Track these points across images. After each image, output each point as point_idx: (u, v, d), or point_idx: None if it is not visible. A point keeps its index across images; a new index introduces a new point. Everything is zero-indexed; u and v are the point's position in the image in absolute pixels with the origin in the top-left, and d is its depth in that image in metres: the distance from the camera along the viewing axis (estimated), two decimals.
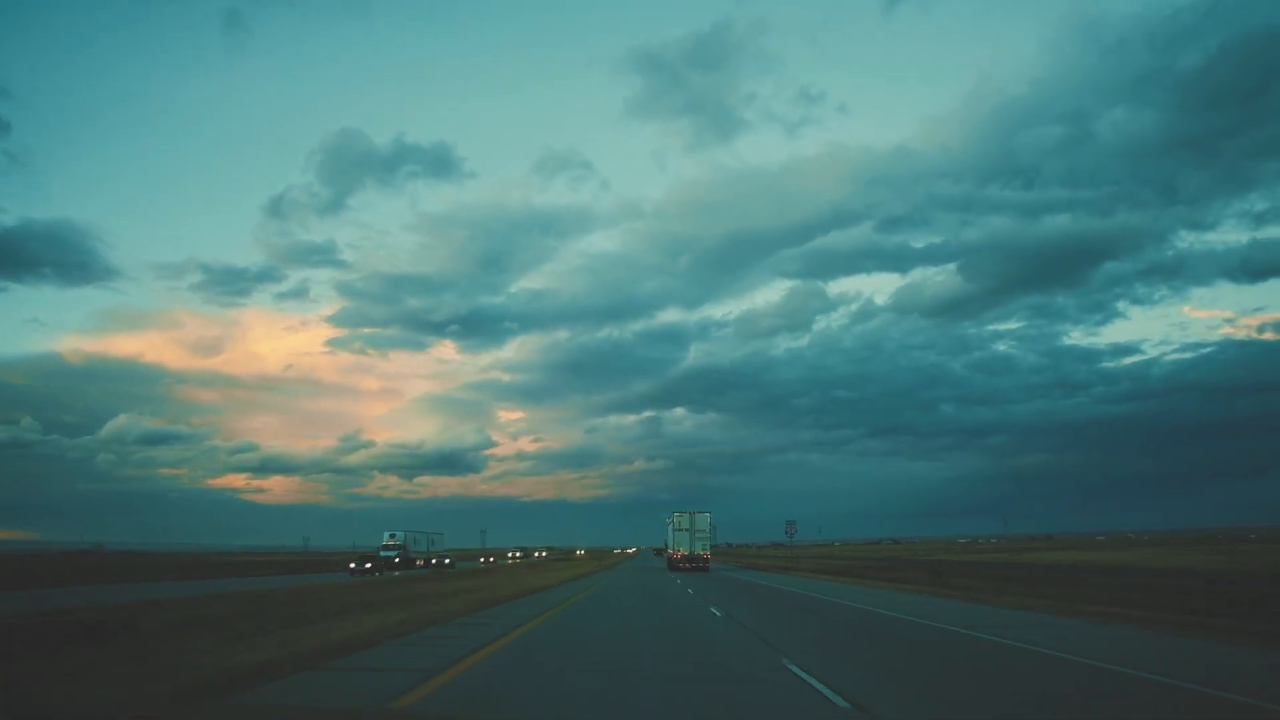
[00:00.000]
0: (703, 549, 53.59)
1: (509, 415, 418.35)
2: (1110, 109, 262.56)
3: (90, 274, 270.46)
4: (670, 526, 56.66)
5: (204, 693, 7.74)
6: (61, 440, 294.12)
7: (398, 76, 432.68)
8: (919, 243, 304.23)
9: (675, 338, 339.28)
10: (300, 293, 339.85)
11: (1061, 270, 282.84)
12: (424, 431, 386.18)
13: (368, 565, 59.96)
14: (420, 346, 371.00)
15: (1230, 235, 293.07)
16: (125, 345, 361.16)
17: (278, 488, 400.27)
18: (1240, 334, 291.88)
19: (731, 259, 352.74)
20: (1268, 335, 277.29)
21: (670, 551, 55.81)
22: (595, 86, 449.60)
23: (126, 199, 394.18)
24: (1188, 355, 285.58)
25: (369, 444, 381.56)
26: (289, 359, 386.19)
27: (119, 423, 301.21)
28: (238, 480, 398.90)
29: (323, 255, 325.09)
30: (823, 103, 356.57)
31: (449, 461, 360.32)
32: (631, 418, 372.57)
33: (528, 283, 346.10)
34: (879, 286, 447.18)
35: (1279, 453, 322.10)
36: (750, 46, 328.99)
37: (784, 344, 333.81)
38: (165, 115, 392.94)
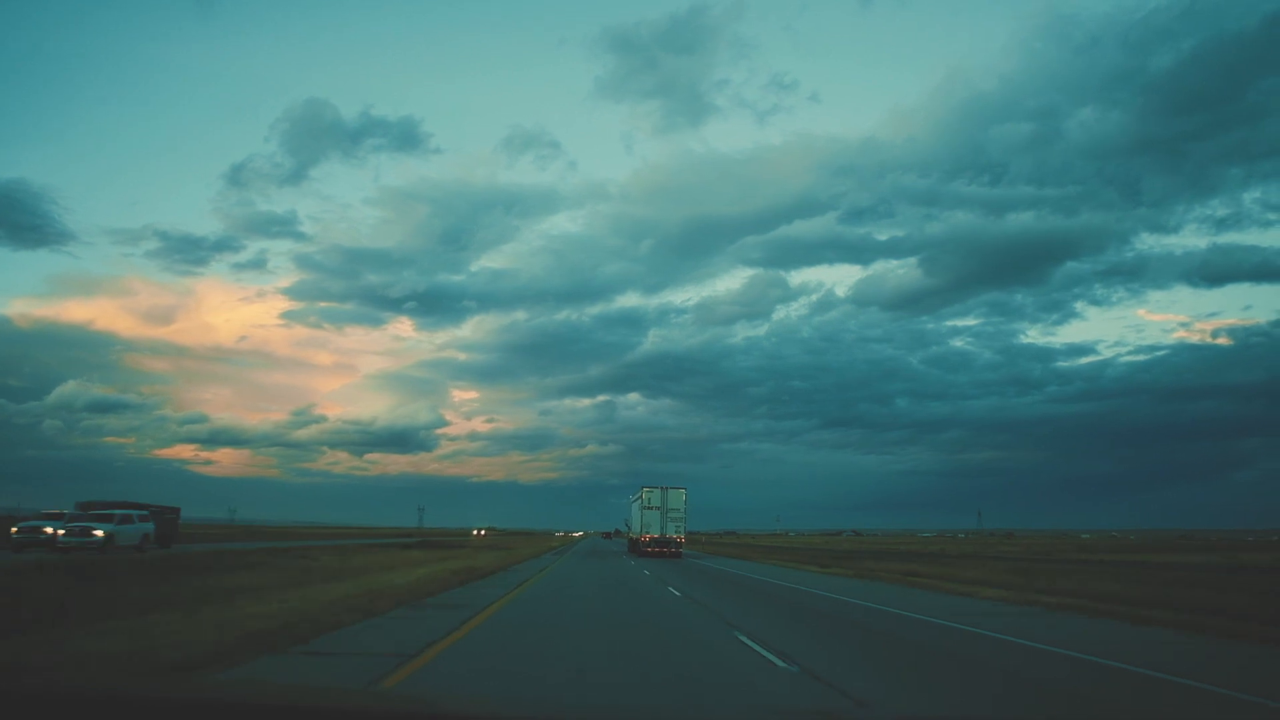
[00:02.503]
0: (676, 532, 43.97)
1: (463, 395, 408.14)
2: (1080, 108, 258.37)
3: (43, 237, 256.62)
4: (637, 504, 46.80)
5: None
6: (7, 405, 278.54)
7: (368, 48, 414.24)
8: (882, 235, 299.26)
9: (633, 322, 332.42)
10: (258, 263, 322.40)
11: (1022, 268, 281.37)
12: (376, 408, 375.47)
13: None
14: (377, 322, 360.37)
15: (1190, 240, 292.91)
16: (76, 311, 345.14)
17: (227, 460, 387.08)
18: (1195, 338, 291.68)
19: (694, 245, 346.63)
20: (1222, 340, 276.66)
21: (637, 534, 46.05)
22: (568, 65, 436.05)
23: (84, 162, 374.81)
24: (1142, 357, 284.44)
25: (320, 419, 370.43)
26: (243, 330, 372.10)
27: (67, 389, 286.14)
28: (186, 451, 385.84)
29: (282, 226, 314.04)
30: (795, 91, 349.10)
31: (400, 439, 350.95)
32: (585, 401, 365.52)
33: (488, 262, 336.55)
34: (840, 278, 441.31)
35: (1227, 457, 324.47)
36: (726, 31, 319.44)
37: (742, 332, 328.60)
38: (127, 78, 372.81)
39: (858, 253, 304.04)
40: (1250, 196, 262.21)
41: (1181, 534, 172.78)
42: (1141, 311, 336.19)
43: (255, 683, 5.91)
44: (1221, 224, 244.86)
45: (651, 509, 43.79)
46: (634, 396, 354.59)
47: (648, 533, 43.71)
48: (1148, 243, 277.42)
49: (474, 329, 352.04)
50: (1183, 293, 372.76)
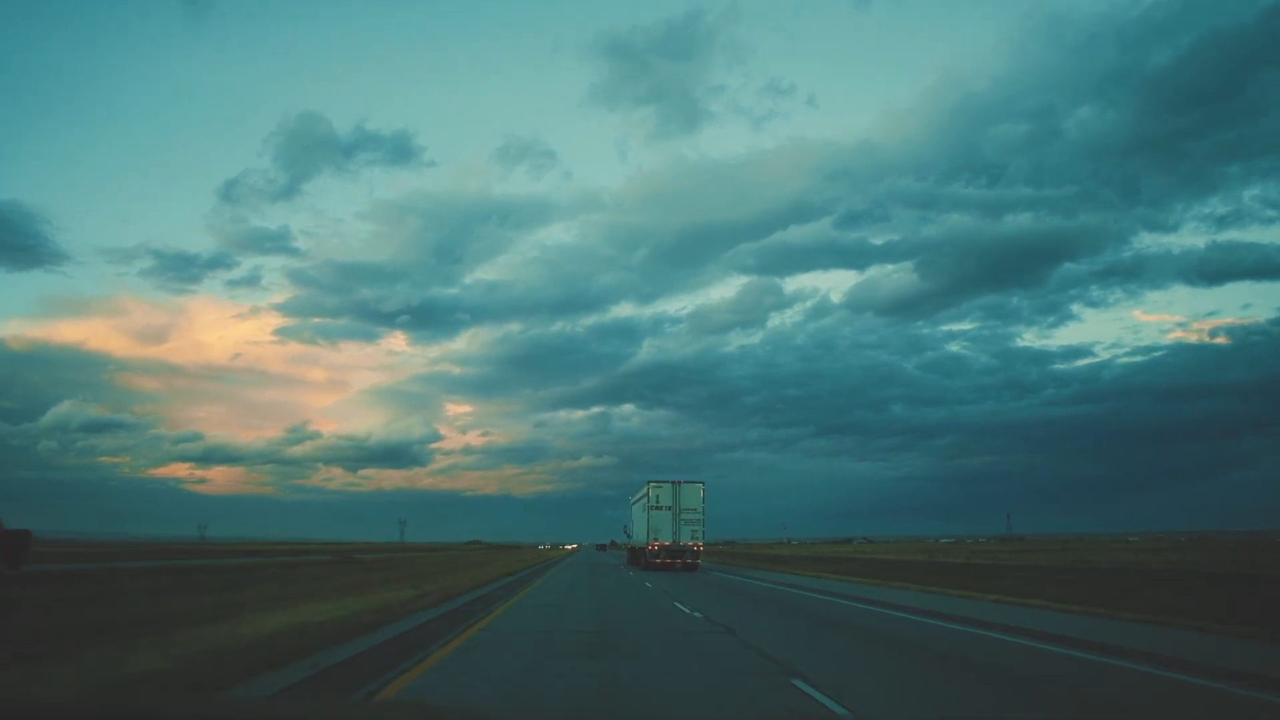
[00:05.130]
0: (691, 538, 35.62)
1: (457, 409, 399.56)
2: (1077, 107, 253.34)
3: (37, 258, 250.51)
4: (641, 505, 38.62)
5: None
6: (3, 427, 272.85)
7: (361, 60, 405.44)
8: (878, 239, 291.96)
9: (628, 333, 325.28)
10: (252, 280, 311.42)
11: (1019, 270, 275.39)
12: (371, 424, 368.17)
13: None
14: (371, 337, 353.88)
15: (1189, 239, 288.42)
16: (69, 331, 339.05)
17: (221, 478, 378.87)
18: (1192, 338, 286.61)
19: (688, 253, 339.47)
20: (1220, 339, 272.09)
21: (642, 542, 37.81)
22: (563, 72, 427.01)
23: (78, 181, 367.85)
24: (1139, 358, 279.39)
25: (315, 435, 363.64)
26: (237, 348, 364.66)
27: (62, 410, 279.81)
28: (181, 470, 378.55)
29: (275, 242, 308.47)
30: (791, 95, 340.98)
31: (395, 454, 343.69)
32: (580, 413, 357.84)
33: (482, 274, 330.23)
34: (835, 284, 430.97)
35: (1231, 457, 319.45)
36: (721, 36, 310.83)
37: (737, 340, 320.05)
38: (119, 95, 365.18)
39: (853, 258, 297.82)
40: (1250, 194, 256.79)
41: (1198, 535, 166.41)
42: (1137, 312, 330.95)
43: (256, 700, 5.71)
44: (1221, 222, 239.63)
45: (660, 509, 35.58)
46: (628, 407, 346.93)
47: (656, 539, 35.48)
48: (1146, 242, 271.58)
49: (468, 342, 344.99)
50: (1180, 292, 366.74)
